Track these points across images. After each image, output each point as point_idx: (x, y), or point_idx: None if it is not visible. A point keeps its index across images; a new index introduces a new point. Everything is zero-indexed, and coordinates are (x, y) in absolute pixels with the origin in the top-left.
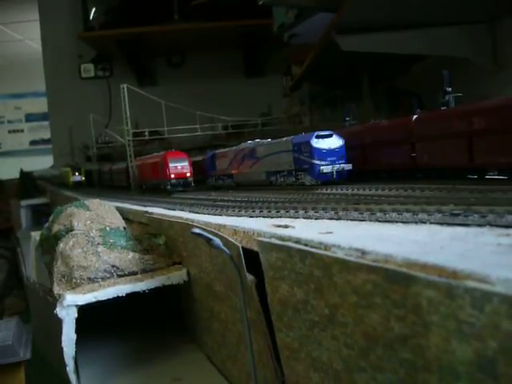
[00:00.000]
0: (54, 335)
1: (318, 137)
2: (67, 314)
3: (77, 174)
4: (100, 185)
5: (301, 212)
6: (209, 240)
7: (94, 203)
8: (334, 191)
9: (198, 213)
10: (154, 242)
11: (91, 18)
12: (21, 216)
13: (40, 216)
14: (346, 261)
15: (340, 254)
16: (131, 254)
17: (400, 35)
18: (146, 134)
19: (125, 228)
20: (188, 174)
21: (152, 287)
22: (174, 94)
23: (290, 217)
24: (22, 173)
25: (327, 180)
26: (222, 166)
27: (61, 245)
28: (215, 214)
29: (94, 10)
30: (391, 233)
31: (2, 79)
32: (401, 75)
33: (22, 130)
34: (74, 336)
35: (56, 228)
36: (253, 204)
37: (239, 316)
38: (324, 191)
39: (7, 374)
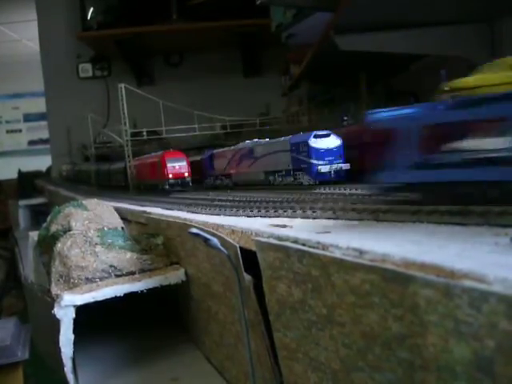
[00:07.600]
0: (52, 335)
1: (315, 136)
2: (65, 315)
3: None
4: (98, 185)
5: (299, 212)
6: (206, 240)
7: (92, 203)
8: (331, 191)
9: (196, 213)
10: (152, 242)
11: (89, 17)
12: (19, 216)
13: (38, 216)
14: (344, 260)
15: (338, 254)
16: (129, 254)
17: (398, 34)
18: (144, 133)
19: (123, 228)
20: (186, 174)
21: (150, 287)
22: (172, 93)
23: (288, 216)
24: (21, 173)
25: (325, 180)
26: (220, 165)
27: (59, 245)
28: (213, 214)
29: (91, 9)
30: (389, 232)
31: None
32: (399, 74)
33: (20, 130)
34: (72, 336)
35: (54, 228)
36: (251, 204)
37: (237, 316)
38: (322, 191)
39: (5, 374)
